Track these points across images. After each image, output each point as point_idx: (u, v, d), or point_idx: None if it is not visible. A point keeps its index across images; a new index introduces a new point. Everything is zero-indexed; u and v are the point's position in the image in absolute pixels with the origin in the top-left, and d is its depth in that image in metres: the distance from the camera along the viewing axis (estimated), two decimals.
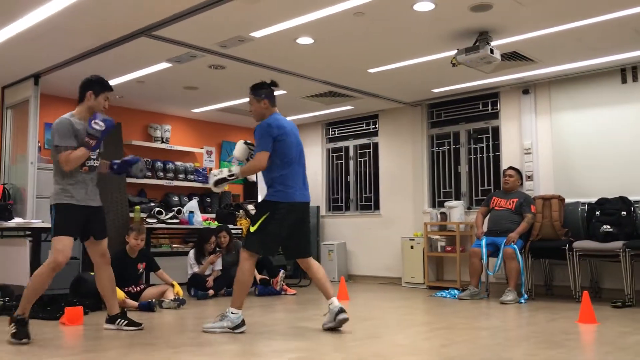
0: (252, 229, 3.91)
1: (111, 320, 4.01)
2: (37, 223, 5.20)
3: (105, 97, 3.87)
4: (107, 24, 4.73)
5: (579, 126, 6.36)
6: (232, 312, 3.86)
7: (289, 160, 3.97)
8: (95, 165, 3.84)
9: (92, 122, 3.65)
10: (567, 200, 6.08)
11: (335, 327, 3.95)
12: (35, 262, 4.87)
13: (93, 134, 3.65)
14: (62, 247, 3.63)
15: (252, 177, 8.59)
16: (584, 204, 5.96)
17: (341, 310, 3.93)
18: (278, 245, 4.10)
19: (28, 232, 5.33)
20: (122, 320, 4.00)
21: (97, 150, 3.84)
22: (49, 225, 4.18)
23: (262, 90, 4.06)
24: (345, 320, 3.93)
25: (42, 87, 6.31)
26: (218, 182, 4.08)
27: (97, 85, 3.86)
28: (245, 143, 4.16)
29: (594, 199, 5.88)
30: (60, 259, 3.60)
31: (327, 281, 4.07)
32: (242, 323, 3.87)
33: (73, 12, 4.42)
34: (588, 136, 6.28)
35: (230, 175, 4.03)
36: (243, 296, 3.90)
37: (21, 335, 3.50)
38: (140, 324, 4.03)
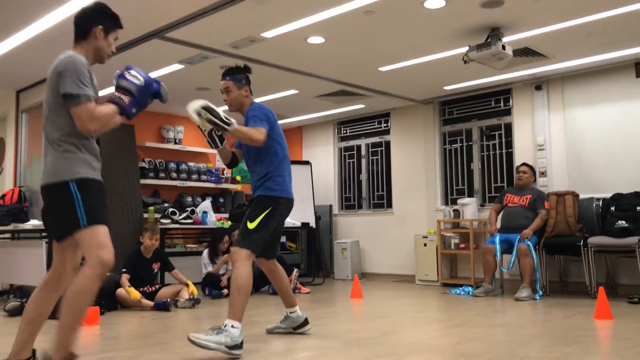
0: (251, 226, 3.39)
1: None
2: None
3: (115, 37, 2.85)
4: None
5: (593, 121, 6.31)
6: (232, 326, 3.16)
7: (284, 152, 3.64)
8: None
9: (125, 72, 2.66)
10: (582, 196, 6.04)
11: (286, 332, 3.82)
12: (50, 264, 4.88)
13: (127, 88, 2.60)
14: (104, 240, 2.52)
15: None
16: (598, 199, 5.92)
17: (306, 322, 3.83)
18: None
19: (44, 234, 5.40)
20: None
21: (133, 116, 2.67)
22: None
23: (242, 76, 3.64)
24: (307, 330, 3.83)
25: None
26: (203, 116, 3.36)
27: (109, 19, 2.79)
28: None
29: (608, 195, 5.84)
30: (107, 256, 2.50)
31: (290, 289, 3.90)
32: (241, 344, 3.15)
33: None
34: (602, 131, 6.23)
35: (223, 121, 3.29)
36: (244, 305, 3.25)
37: None
38: None
